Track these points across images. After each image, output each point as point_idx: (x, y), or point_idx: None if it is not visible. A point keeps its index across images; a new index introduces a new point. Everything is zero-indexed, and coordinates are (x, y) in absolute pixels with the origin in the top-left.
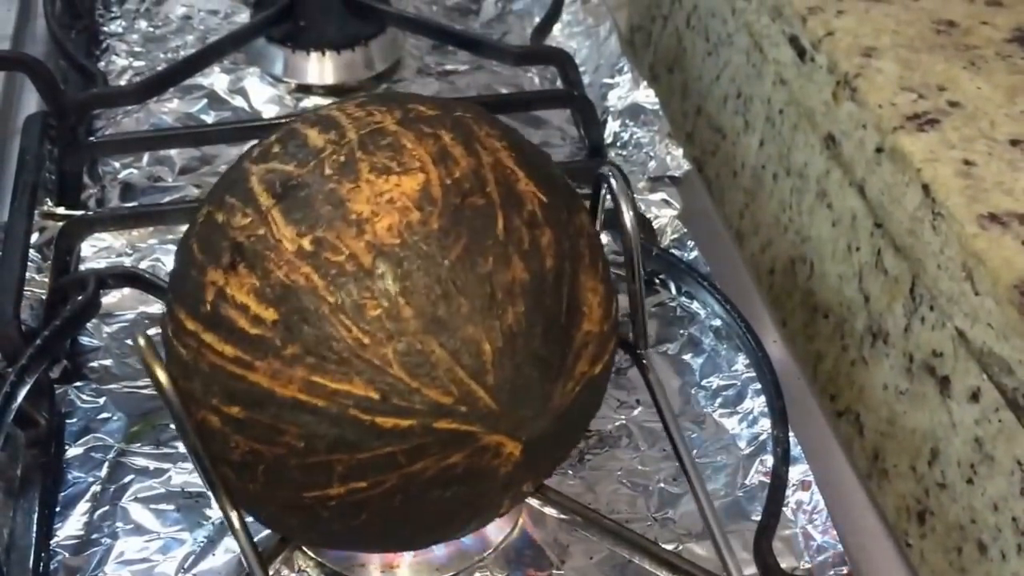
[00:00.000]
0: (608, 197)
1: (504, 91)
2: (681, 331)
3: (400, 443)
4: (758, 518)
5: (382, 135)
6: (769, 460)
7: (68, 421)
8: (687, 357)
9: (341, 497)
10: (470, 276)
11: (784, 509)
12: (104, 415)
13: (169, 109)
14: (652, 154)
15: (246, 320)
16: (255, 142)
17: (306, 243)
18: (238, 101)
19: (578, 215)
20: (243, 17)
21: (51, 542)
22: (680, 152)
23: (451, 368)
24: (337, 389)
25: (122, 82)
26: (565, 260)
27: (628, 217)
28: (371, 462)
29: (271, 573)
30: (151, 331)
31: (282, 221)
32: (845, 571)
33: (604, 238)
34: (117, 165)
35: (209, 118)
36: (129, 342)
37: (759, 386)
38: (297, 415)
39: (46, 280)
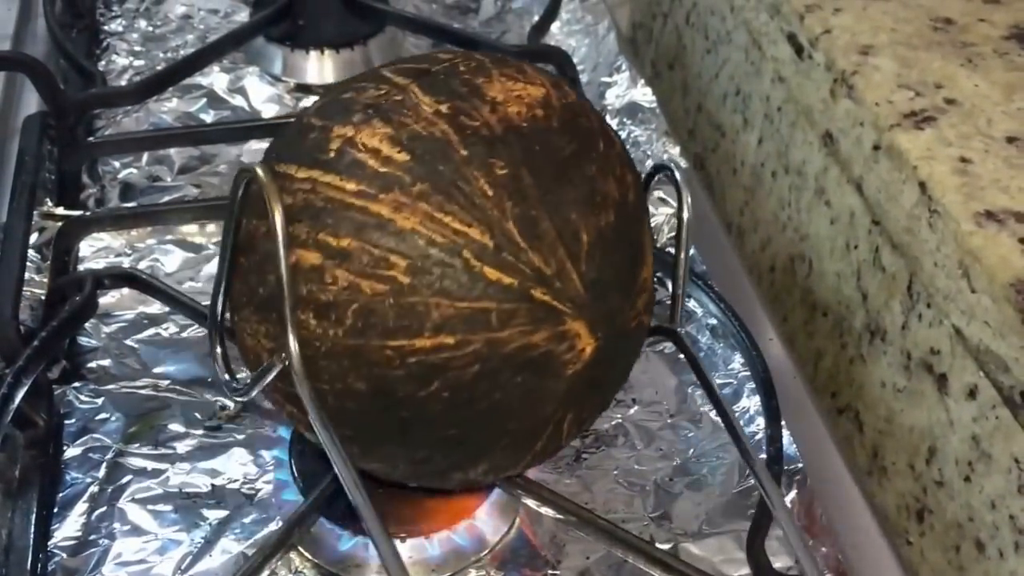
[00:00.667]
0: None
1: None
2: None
3: (499, 300)
4: None
5: (505, 60)
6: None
7: (67, 422)
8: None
9: (424, 352)
10: (578, 173)
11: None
12: (102, 415)
13: (169, 108)
14: (649, 152)
15: (376, 160)
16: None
17: (444, 107)
18: (237, 100)
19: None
20: (243, 16)
21: (49, 543)
22: (677, 151)
23: (554, 243)
24: (458, 229)
25: (122, 81)
26: (640, 205)
27: (687, 204)
28: (467, 314)
29: (267, 574)
30: (148, 332)
31: (420, 91)
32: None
33: None
34: (117, 165)
35: (208, 117)
36: (127, 342)
37: (755, 385)
38: (413, 246)
39: (45, 280)
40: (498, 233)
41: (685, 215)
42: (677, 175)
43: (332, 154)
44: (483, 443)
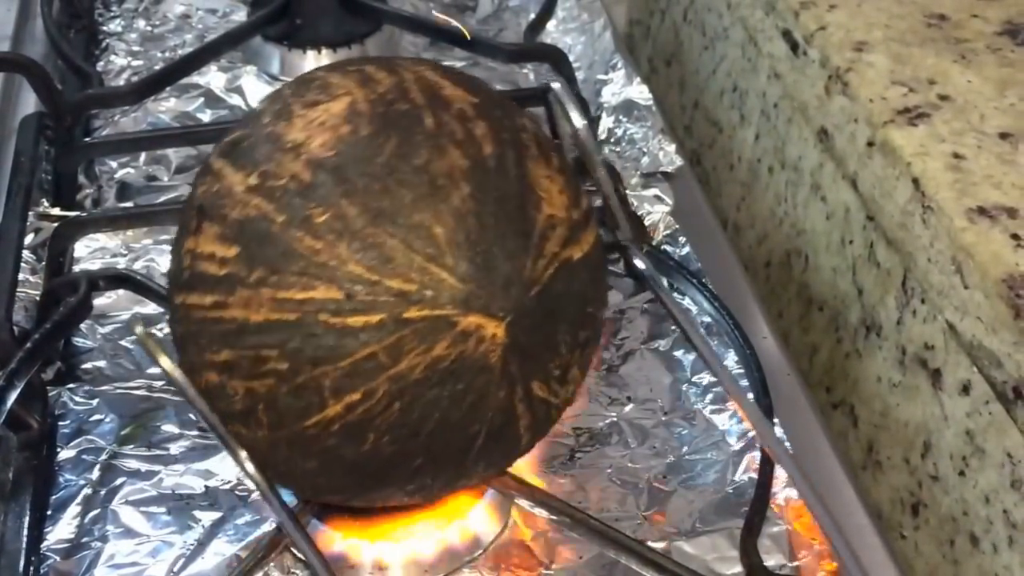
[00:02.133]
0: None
1: (500, 87)
2: (672, 327)
3: (377, 341)
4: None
5: (312, 80)
6: (759, 456)
7: (61, 423)
8: (678, 353)
9: (341, 417)
10: (406, 168)
11: (773, 506)
12: (96, 417)
13: (166, 108)
14: (645, 150)
15: (215, 265)
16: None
17: (252, 179)
18: (235, 100)
19: (516, 116)
20: (241, 16)
21: (42, 546)
22: (673, 148)
23: (407, 255)
24: (303, 299)
25: (121, 81)
26: (506, 147)
27: (575, 117)
28: (355, 368)
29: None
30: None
31: (231, 170)
32: (833, 568)
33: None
34: (114, 165)
35: (206, 117)
36: (122, 343)
37: (749, 383)
38: (273, 336)
39: (41, 281)
40: (343, 282)
41: (578, 123)
42: (562, 96)
43: (186, 274)
44: (458, 455)
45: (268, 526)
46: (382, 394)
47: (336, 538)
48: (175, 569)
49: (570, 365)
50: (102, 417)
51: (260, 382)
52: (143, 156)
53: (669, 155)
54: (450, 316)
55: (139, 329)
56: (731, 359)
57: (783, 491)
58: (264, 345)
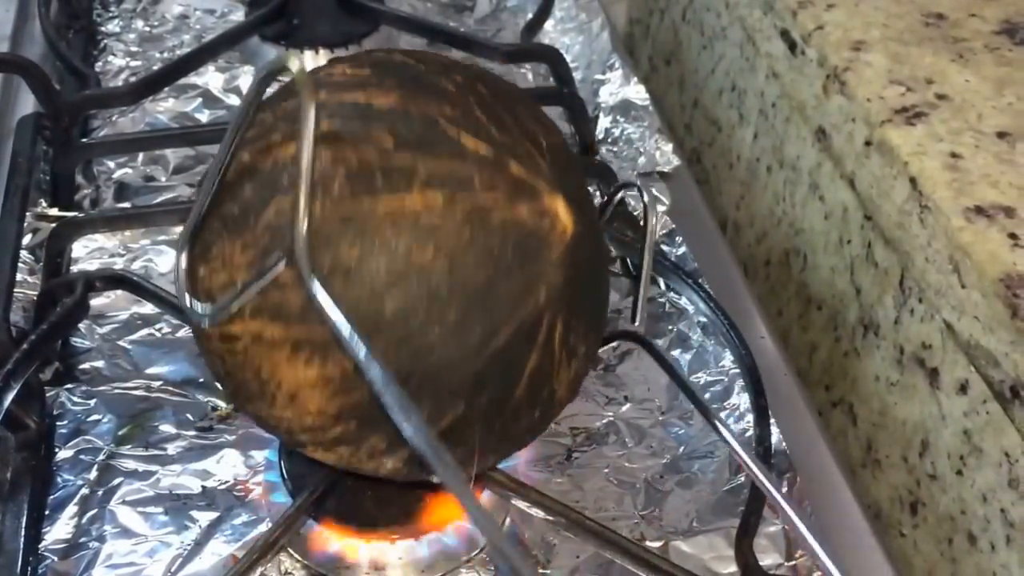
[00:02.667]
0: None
1: None
2: (670, 327)
3: (479, 166)
4: None
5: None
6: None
7: (59, 423)
8: (675, 353)
9: (416, 215)
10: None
11: (768, 506)
12: (94, 417)
13: (164, 108)
14: (642, 150)
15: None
16: None
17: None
18: (233, 100)
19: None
20: (240, 16)
21: (39, 546)
22: (670, 148)
23: (517, 132)
24: (430, 106)
25: (119, 81)
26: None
27: (654, 214)
28: (451, 172)
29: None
30: (141, 332)
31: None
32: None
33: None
34: (112, 165)
35: (204, 117)
36: (120, 343)
37: (744, 383)
38: (394, 121)
39: (39, 282)
40: (467, 112)
41: (651, 223)
42: (643, 194)
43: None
44: (487, 324)
45: (265, 526)
46: (461, 212)
47: (332, 538)
48: (172, 569)
49: (580, 344)
50: (100, 417)
51: (358, 151)
52: (141, 156)
53: (666, 155)
54: (540, 187)
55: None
56: (727, 358)
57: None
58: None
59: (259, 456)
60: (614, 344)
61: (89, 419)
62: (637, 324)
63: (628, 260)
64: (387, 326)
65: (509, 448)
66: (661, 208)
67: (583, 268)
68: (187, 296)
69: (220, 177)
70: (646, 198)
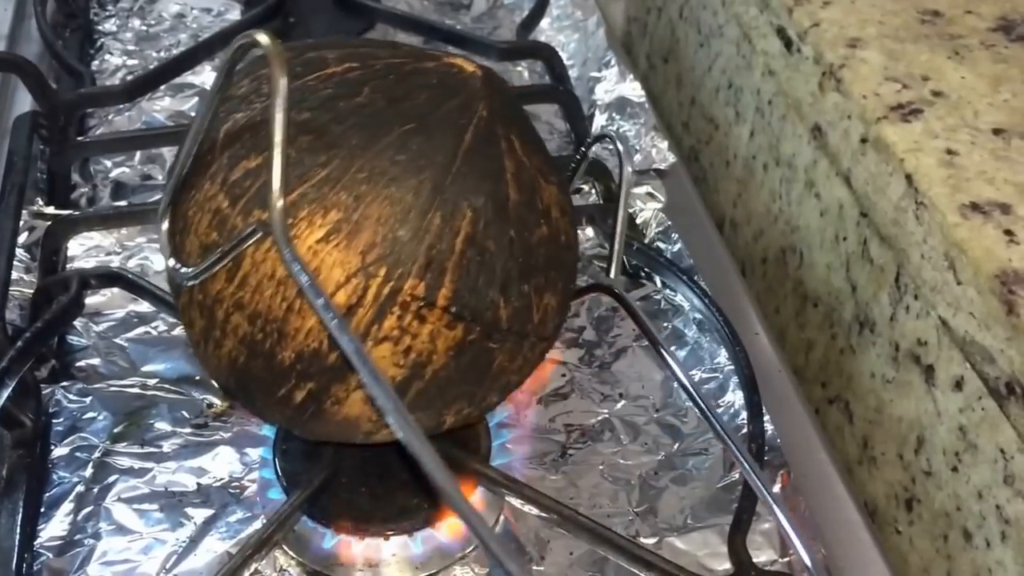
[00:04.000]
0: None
1: None
2: (665, 324)
3: (375, 48)
4: None
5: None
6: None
7: (54, 421)
8: (670, 350)
9: (339, 75)
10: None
11: (762, 502)
12: (90, 414)
13: (161, 107)
14: (638, 147)
15: None
16: None
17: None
18: None
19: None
20: (236, 15)
21: (35, 543)
22: (665, 145)
23: None
24: None
25: (115, 80)
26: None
27: (628, 167)
28: (355, 54)
29: (250, 572)
30: (138, 330)
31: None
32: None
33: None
34: (108, 164)
35: None
36: (116, 340)
37: (739, 380)
38: None
39: (35, 280)
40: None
41: (627, 171)
42: (618, 144)
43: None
44: (450, 141)
45: (260, 523)
46: (379, 67)
47: (327, 535)
48: (167, 566)
49: (547, 164)
50: (95, 415)
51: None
52: (137, 155)
53: (662, 152)
54: (437, 54)
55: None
56: (722, 355)
57: (773, 488)
58: None
59: (254, 453)
60: (609, 342)
61: (85, 416)
62: (612, 276)
63: (624, 259)
64: (358, 154)
65: (543, 281)
66: (657, 206)
67: (509, 100)
68: (171, 259)
69: (196, 146)
70: (620, 147)
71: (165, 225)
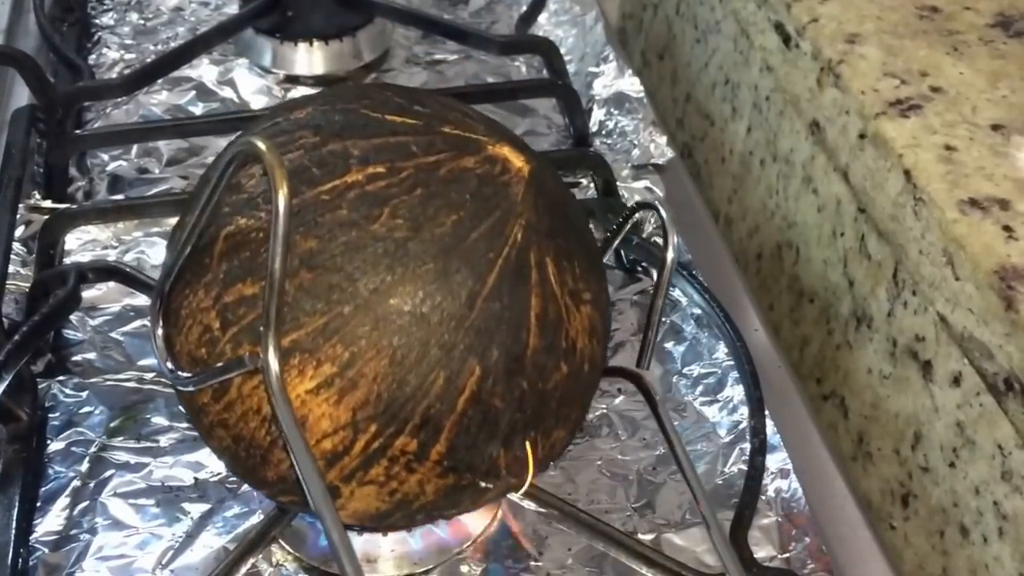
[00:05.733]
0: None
1: (492, 80)
2: (663, 319)
3: (412, 133)
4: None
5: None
6: (749, 448)
7: (50, 415)
8: (669, 345)
9: (360, 185)
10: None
11: (763, 498)
12: (86, 409)
13: (158, 101)
14: (636, 142)
15: None
16: None
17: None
18: (226, 92)
19: None
20: (234, 8)
21: (31, 538)
22: (664, 140)
23: (441, 110)
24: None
25: (113, 74)
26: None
27: (672, 245)
28: (385, 144)
29: (247, 567)
30: (134, 324)
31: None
32: (822, 559)
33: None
34: (105, 157)
35: (198, 109)
36: (113, 334)
37: (739, 375)
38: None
39: (32, 274)
40: (386, 100)
41: (669, 257)
42: (663, 214)
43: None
44: (474, 273)
45: (257, 518)
46: (407, 174)
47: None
48: (164, 561)
49: (584, 283)
50: (92, 409)
51: (288, 156)
52: (135, 149)
53: (660, 147)
54: (480, 140)
55: (262, 144)
56: (721, 350)
57: (773, 483)
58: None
59: None
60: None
61: (81, 411)
62: (643, 368)
63: (622, 253)
64: (362, 304)
65: (554, 422)
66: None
67: (554, 204)
68: (168, 364)
69: (189, 248)
70: (664, 215)
71: (159, 331)
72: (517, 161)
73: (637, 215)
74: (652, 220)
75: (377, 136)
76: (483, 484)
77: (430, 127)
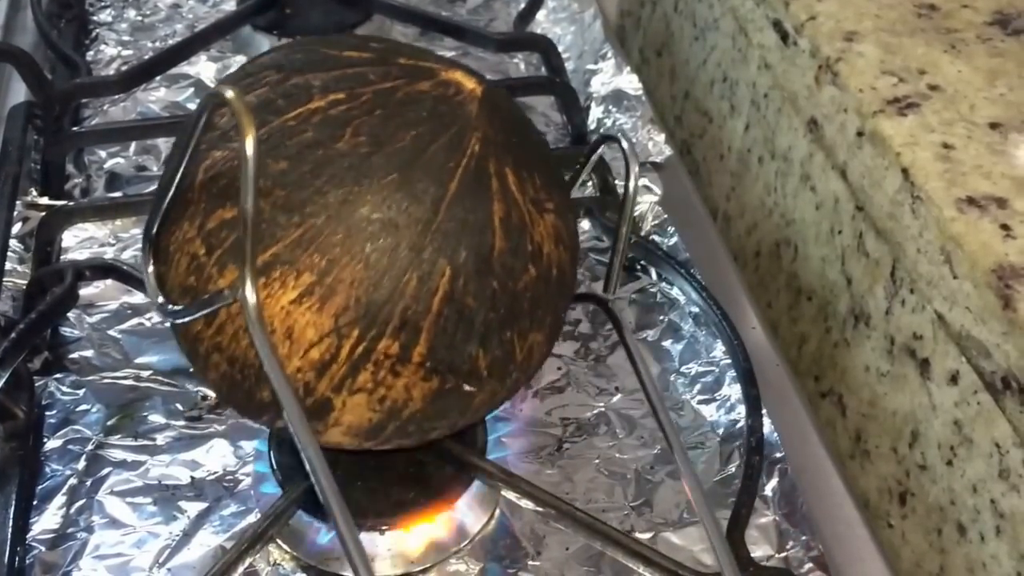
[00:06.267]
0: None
1: (489, 77)
2: (661, 317)
3: (368, 64)
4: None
5: None
6: (746, 447)
7: (47, 413)
8: (667, 343)
9: (323, 110)
10: None
11: (760, 497)
12: (83, 407)
13: (156, 98)
14: (634, 140)
15: None
16: None
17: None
18: None
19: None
20: (232, 5)
21: (27, 536)
22: (662, 138)
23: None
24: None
25: (111, 71)
26: None
27: (634, 173)
28: (344, 75)
29: (245, 567)
30: (131, 322)
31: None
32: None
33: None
34: (103, 154)
35: (195, 107)
36: (110, 332)
37: (736, 374)
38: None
39: (29, 271)
40: (346, 40)
41: (631, 184)
42: (623, 144)
43: None
44: (434, 186)
45: (254, 517)
46: (366, 99)
47: (322, 529)
48: (160, 560)
49: (545, 192)
50: (88, 407)
51: (255, 93)
52: (132, 146)
53: (658, 145)
54: (433, 68)
55: (231, 92)
56: (719, 349)
57: (771, 482)
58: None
59: (248, 446)
60: (605, 335)
61: (78, 409)
62: (610, 293)
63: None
64: (333, 215)
65: (528, 324)
66: (653, 199)
67: (509, 121)
68: (159, 296)
69: (173, 190)
70: (625, 145)
71: (150, 268)
72: (469, 83)
73: (602, 148)
74: (651, 216)
75: (336, 69)
76: (467, 387)
77: (385, 59)
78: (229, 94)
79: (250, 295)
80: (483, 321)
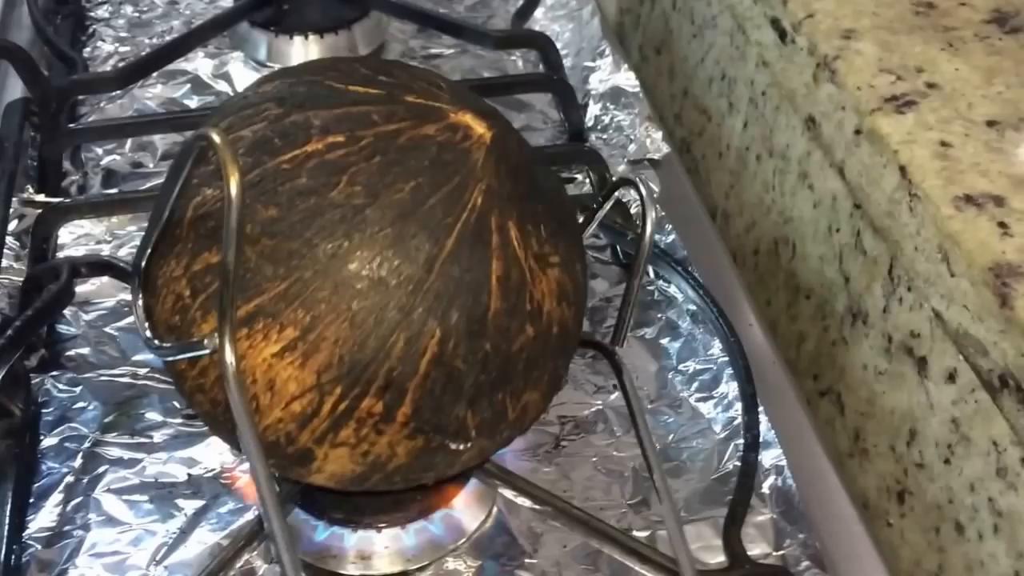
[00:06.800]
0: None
1: (487, 75)
2: (659, 315)
3: (373, 102)
4: None
5: None
6: (744, 445)
7: (44, 411)
8: (664, 341)
9: (320, 154)
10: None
11: (757, 495)
12: (80, 404)
13: (153, 94)
14: (632, 137)
15: None
16: None
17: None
18: (222, 86)
19: None
20: (229, 1)
21: (24, 534)
22: (660, 135)
23: (412, 78)
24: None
25: (107, 67)
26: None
27: (651, 220)
28: (346, 115)
29: (241, 564)
30: (128, 320)
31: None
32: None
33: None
34: (100, 151)
35: (193, 103)
36: (107, 329)
37: (734, 372)
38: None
39: (25, 268)
40: (351, 72)
41: (648, 230)
42: (642, 189)
43: None
44: (430, 239)
45: (251, 515)
46: (366, 143)
47: (319, 527)
48: (157, 558)
49: (551, 246)
50: (85, 405)
51: (252, 128)
52: (129, 142)
53: (656, 142)
54: (443, 108)
55: (215, 135)
56: (716, 347)
57: (768, 480)
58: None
59: None
60: (603, 333)
61: (74, 406)
62: (617, 345)
63: (618, 248)
64: (321, 269)
65: (523, 384)
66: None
67: (517, 169)
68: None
69: (161, 224)
70: (643, 191)
71: (139, 300)
72: (479, 128)
73: (618, 191)
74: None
75: (339, 106)
76: (453, 446)
77: (392, 97)
78: (216, 138)
79: (228, 355)
80: (473, 384)
